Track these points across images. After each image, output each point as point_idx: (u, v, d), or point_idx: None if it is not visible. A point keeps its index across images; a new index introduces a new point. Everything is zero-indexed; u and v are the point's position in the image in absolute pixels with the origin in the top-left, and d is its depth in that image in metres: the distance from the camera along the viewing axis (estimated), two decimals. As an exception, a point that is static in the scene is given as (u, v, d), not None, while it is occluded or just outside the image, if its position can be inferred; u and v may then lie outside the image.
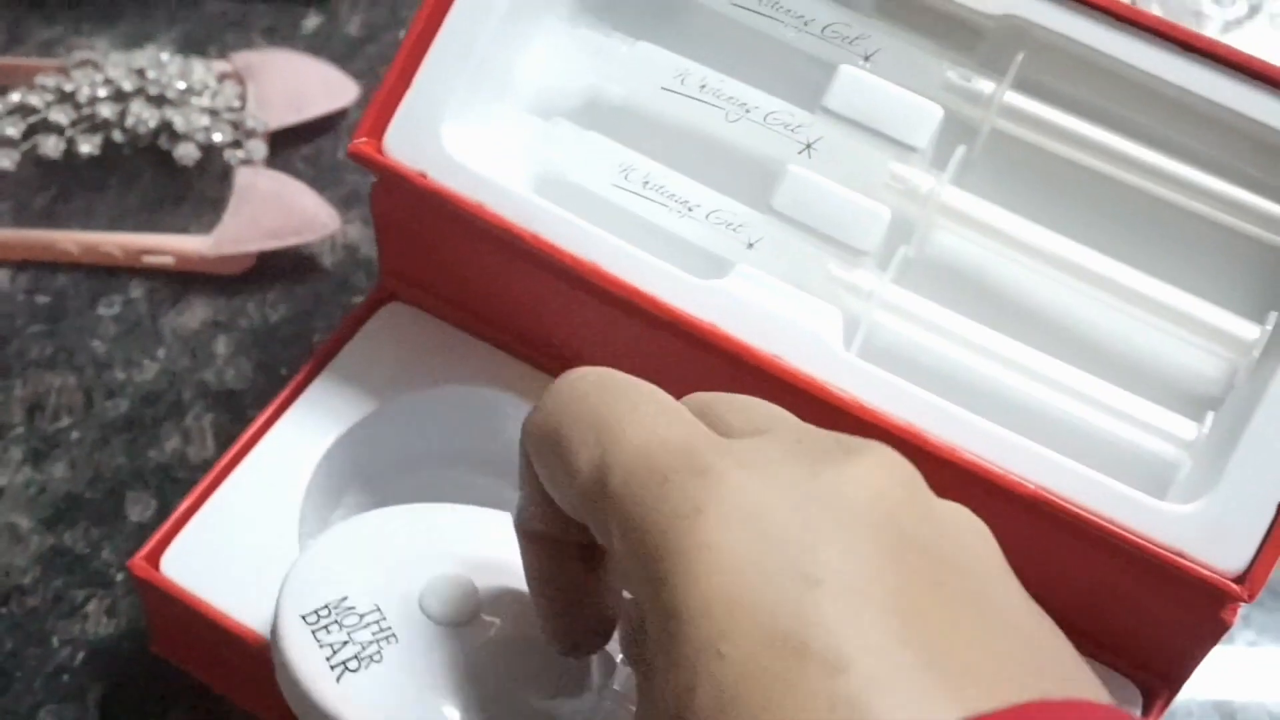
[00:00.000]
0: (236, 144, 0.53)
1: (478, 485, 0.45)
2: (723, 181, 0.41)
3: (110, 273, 0.52)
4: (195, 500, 0.41)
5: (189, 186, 0.53)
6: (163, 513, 0.46)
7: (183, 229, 0.52)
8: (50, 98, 0.52)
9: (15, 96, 0.52)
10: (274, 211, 0.51)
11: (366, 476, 0.45)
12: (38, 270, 0.51)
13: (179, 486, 0.47)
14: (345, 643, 0.33)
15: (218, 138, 0.53)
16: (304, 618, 0.34)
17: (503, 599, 0.34)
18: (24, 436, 0.48)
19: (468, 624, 0.34)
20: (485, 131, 0.42)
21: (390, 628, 0.34)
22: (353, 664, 0.33)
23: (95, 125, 0.52)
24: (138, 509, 0.47)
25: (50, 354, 0.50)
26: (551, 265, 0.40)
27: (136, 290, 0.51)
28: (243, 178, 0.52)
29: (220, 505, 0.42)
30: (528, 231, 0.40)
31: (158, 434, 0.48)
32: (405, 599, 0.34)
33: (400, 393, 0.44)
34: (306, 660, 0.33)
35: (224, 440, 0.48)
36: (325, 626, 0.34)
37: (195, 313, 0.51)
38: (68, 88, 0.52)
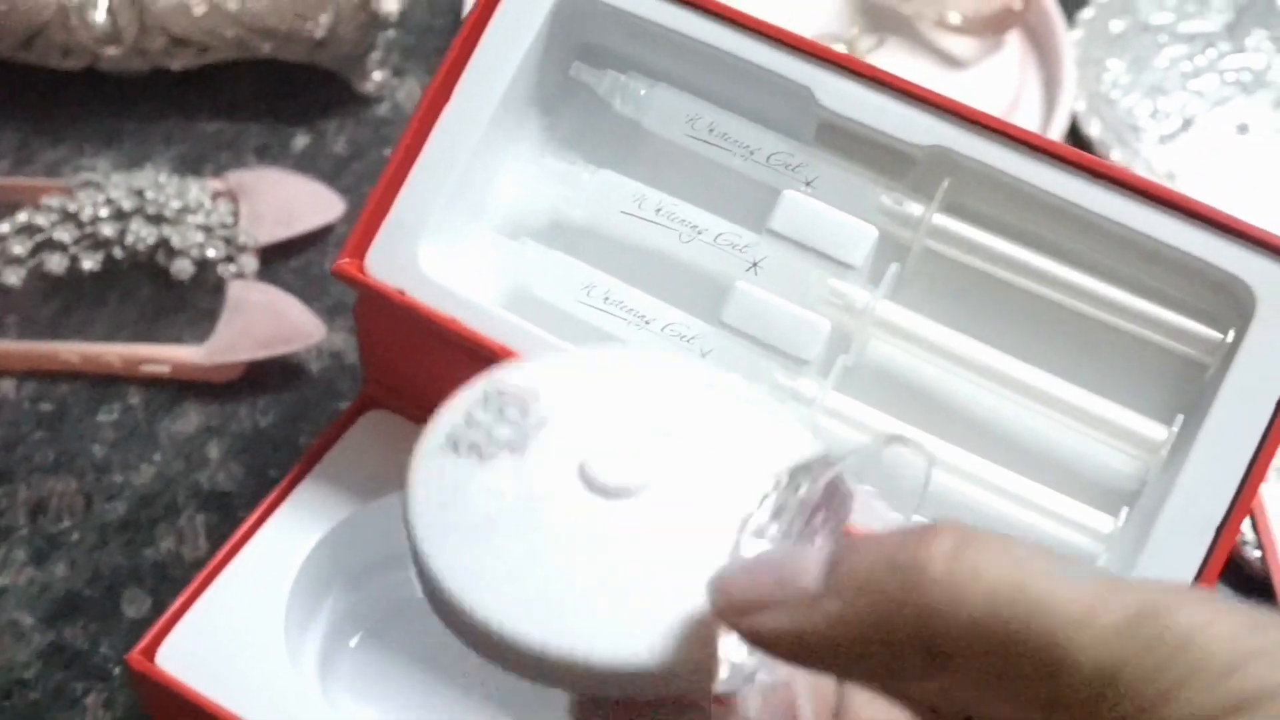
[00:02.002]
0: (229, 259, 0.56)
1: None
2: (677, 297, 0.44)
3: (110, 381, 0.55)
4: (189, 597, 0.44)
5: (184, 299, 0.57)
6: (158, 609, 0.49)
7: (178, 339, 0.56)
8: (55, 217, 0.56)
9: (23, 216, 0.56)
10: (263, 322, 0.54)
11: (350, 573, 0.47)
12: (42, 380, 0.55)
13: (173, 584, 0.50)
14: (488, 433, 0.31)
15: (211, 253, 0.56)
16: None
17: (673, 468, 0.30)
18: (27, 538, 0.51)
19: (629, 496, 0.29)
20: (460, 251, 0.45)
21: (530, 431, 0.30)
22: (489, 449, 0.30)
23: (97, 243, 0.56)
24: (134, 606, 0.49)
25: (53, 459, 0.53)
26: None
27: (134, 398, 0.54)
28: (234, 291, 0.55)
29: (212, 601, 0.44)
30: (498, 344, 0.43)
31: (153, 534, 0.51)
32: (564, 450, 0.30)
33: (381, 494, 0.47)
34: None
35: (216, 539, 0.51)
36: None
37: (189, 418, 0.54)
38: (71, 208, 0.56)
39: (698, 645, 0.27)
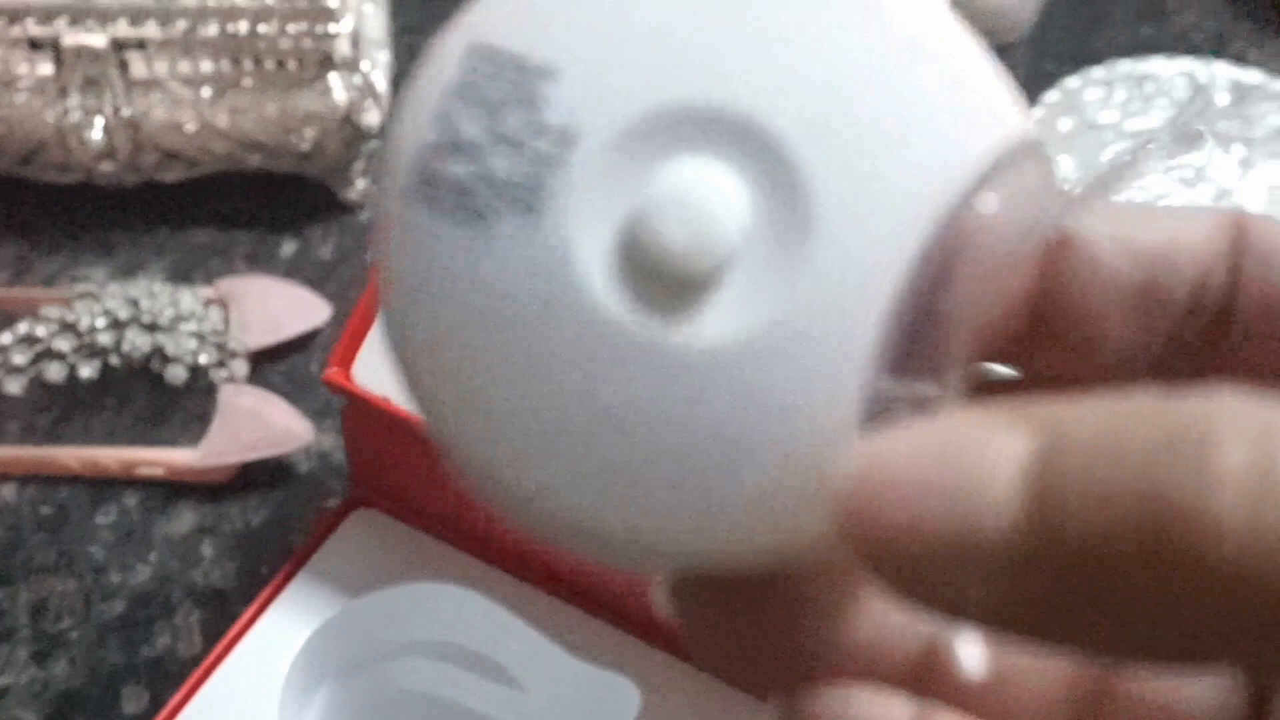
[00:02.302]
0: (221, 364, 0.59)
1: (444, 675, 0.49)
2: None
3: (107, 484, 0.57)
4: (185, 694, 0.46)
5: (177, 404, 0.59)
6: (155, 705, 0.51)
7: (172, 442, 0.58)
8: (54, 328, 0.58)
9: (23, 327, 0.58)
10: (254, 426, 0.57)
11: (341, 667, 0.49)
12: (41, 483, 0.57)
13: (170, 680, 0.51)
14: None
15: (204, 359, 0.59)
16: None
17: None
18: (28, 638, 0.53)
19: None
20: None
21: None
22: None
23: (94, 351, 0.58)
24: (133, 703, 0.51)
25: (53, 560, 0.55)
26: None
27: (131, 499, 0.57)
28: (226, 395, 0.58)
29: (208, 697, 0.47)
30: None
31: (150, 632, 0.53)
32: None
33: (370, 590, 0.49)
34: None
35: (211, 636, 0.53)
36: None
37: (184, 519, 0.56)
38: (70, 318, 0.58)
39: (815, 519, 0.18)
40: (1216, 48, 0.76)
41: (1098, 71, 0.74)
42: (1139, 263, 0.21)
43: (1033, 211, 0.19)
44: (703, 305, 0.18)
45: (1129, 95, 0.73)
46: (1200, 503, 0.14)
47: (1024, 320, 0.21)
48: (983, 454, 0.15)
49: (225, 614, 0.53)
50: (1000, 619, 0.15)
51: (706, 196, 0.18)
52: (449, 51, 0.19)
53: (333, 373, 0.47)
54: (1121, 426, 0.15)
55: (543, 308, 0.18)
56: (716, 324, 0.18)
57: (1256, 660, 0.15)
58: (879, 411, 0.18)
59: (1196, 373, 0.20)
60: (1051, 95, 0.73)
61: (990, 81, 0.19)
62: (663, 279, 0.18)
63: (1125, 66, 0.74)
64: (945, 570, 0.15)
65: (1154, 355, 0.21)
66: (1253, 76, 0.73)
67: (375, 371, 0.47)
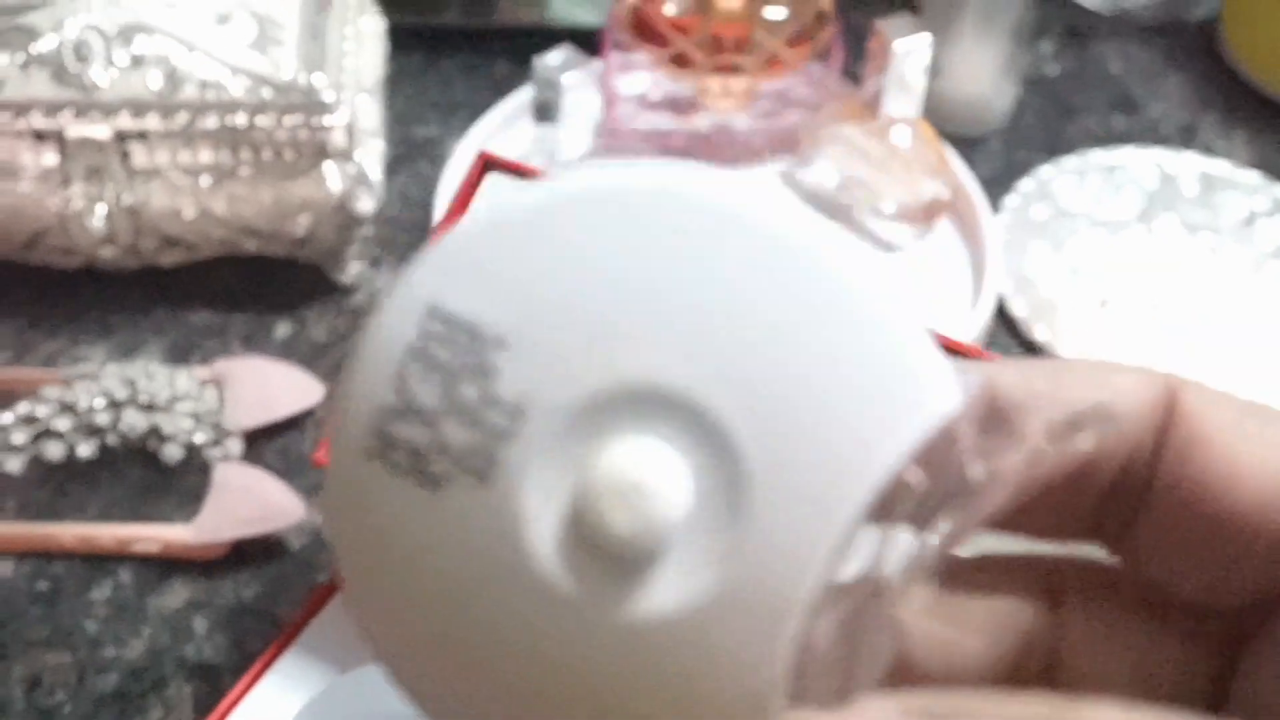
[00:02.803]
0: (216, 443, 0.60)
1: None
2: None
3: (102, 560, 0.58)
4: (178, 765, 0.47)
5: (172, 481, 0.61)
6: (147, 777, 0.52)
7: (167, 519, 0.59)
8: (54, 408, 0.60)
9: (23, 407, 0.60)
10: (247, 503, 0.58)
11: (328, 740, 0.51)
12: (38, 559, 0.58)
13: (162, 753, 0.53)
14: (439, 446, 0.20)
15: (199, 438, 0.60)
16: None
17: None
18: (23, 712, 0.54)
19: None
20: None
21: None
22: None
23: (92, 431, 0.60)
24: (125, 774, 0.53)
25: (48, 635, 0.56)
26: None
27: (125, 575, 0.58)
28: (220, 473, 0.59)
29: (200, 769, 0.48)
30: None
31: (144, 706, 0.54)
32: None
33: (360, 664, 0.51)
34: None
35: (203, 710, 0.54)
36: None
37: (177, 594, 0.58)
38: (69, 399, 0.60)
39: None
40: (1185, 138, 0.79)
41: (1071, 161, 0.76)
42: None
43: (952, 481, 0.20)
44: (645, 579, 0.19)
45: (1101, 184, 0.75)
46: None
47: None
48: None
49: (217, 688, 0.55)
50: None
51: (648, 480, 0.18)
52: (405, 309, 0.20)
53: (323, 455, 0.49)
54: None
55: (492, 573, 0.19)
56: (658, 596, 0.19)
57: None
58: (802, 683, 0.19)
59: (1119, 539, 0.21)
60: (1026, 183, 0.75)
61: (924, 354, 0.20)
62: (607, 556, 0.19)
63: (1097, 156, 0.77)
64: None
65: (1083, 523, 0.21)
66: (1220, 167, 0.76)
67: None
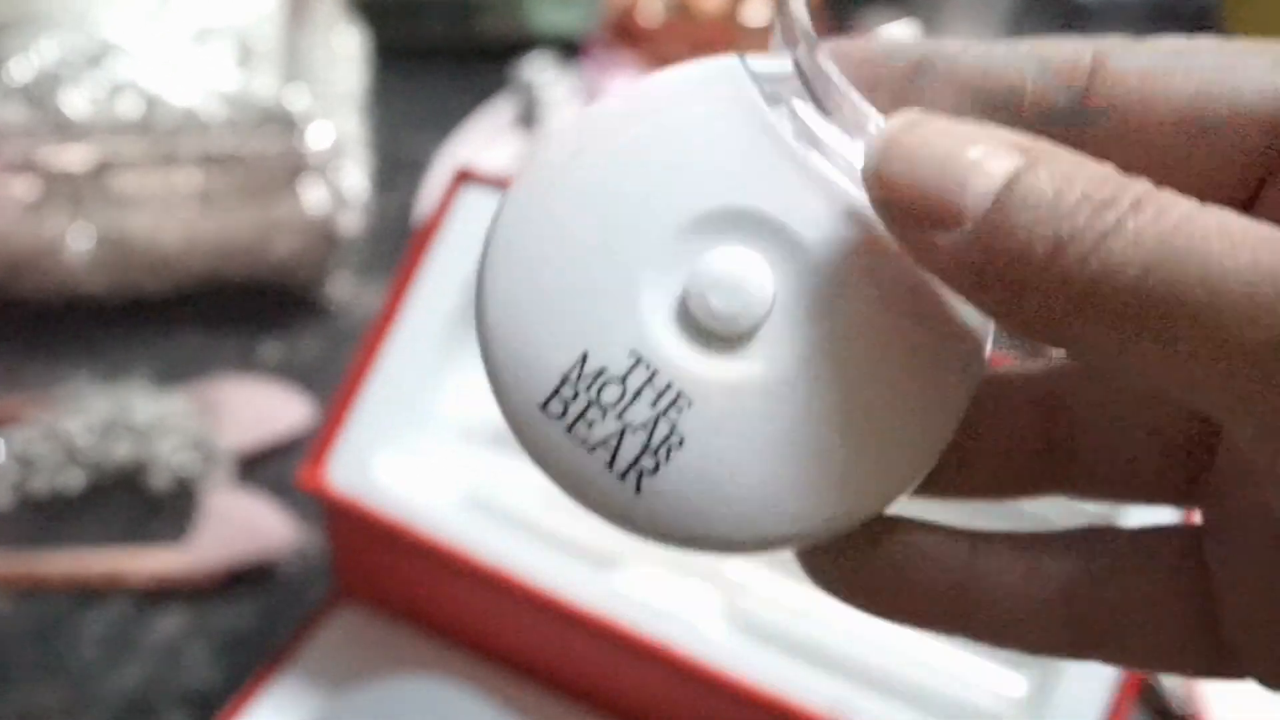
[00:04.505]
0: (205, 468, 0.60)
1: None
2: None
3: (96, 590, 0.58)
4: (170, 797, 0.47)
5: (164, 509, 0.60)
6: (143, 809, 0.51)
7: (159, 547, 0.59)
8: (39, 436, 0.59)
9: (8, 439, 0.60)
10: (239, 529, 0.58)
11: (323, 765, 0.50)
12: (31, 591, 0.58)
13: (157, 783, 0.52)
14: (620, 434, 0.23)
15: (189, 464, 0.60)
16: (543, 407, 0.23)
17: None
18: (18, 746, 0.54)
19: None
20: (414, 459, 0.49)
21: (671, 385, 0.23)
22: (647, 462, 0.23)
23: (79, 460, 0.59)
24: (120, 807, 0.52)
25: (41, 667, 0.56)
26: (473, 574, 0.46)
27: (118, 605, 0.58)
28: (211, 499, 0.59)
29: (193, 800, 0.47)
30: (456, 551, 0.46)
31: (138, 736, 0.54)
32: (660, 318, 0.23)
33: (354, 685, 0.50)
34: (578, 474, 0.23)
35: (197, 738, 0.54)
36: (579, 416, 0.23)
37: (170, 622, 0.57)
38: (56, 428, 0.60)
39: None
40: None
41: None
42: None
43: None
44: (741, 353, 0.23)
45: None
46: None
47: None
48: (986, 159, 0.20)
49: (211, 715, 0.54)
50: (942, 270, 0.21)
51: (744, 275, 0.23)
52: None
53: (306, 475, 0.48)
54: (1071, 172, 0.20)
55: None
56: (751, 366, 0.23)
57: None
58: None
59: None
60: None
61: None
62: (710, 335, 0.23)
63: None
64: (924, 229, 0.21)
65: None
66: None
67: (348, 474, 0.48)
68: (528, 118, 0.68)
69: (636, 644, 0.44)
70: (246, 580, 0.58)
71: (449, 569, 0.47)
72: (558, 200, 0.23)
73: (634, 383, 0.22)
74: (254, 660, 0.56)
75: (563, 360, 0.23)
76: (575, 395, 0.23)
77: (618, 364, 0.23)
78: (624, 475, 0.22)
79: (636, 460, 0.22)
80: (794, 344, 0.23)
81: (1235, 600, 0.23)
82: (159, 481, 0.59)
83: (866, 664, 0.44)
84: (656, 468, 0.22)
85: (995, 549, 0.24)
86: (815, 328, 0.23)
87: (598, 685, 0.48)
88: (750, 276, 0.23)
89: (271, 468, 0.62)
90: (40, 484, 0.59)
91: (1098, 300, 0.19)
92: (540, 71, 0.68)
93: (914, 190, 0.21)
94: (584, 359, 0.23)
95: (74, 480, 0.59)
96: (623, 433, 0.22)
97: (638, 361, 0.23)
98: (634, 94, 0.24)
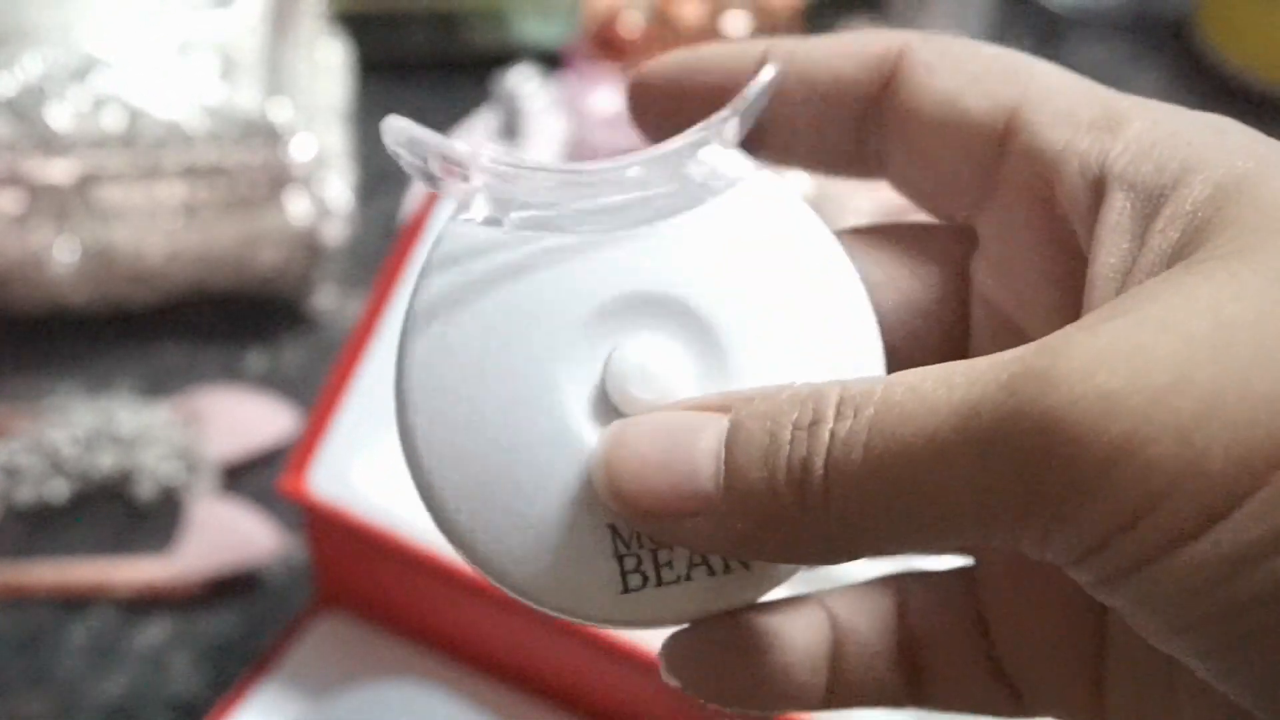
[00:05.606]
0: (190, 477, 0.60)
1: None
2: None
3: (81, 599, 0.58)
4: (153, 803, 0.47)
5: (148, 519, 0.61)
6: (127, 816, 0.52)
7: (144, 556, 0.59)
8: (26, 449, 0.60)
9: (-3, 451, 0.60)
10: (223, 538, 0.58)
11: (305, 771, 0.51)
12: (16, 601, 0.58)
13: (142, 790, 0.53)
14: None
15: (173, 474, 0.60)
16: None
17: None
18: (3, 754, 0.54)
19: None
20: (394, 466, 0.49)
21: None
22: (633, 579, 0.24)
23: (66, 470, 0.60)
24: (105, 814, 0.52)
25: (28, 676, 0.56)
26: (452, 580, 0.47)
27: (104, 614, 0.58)
28: (195, 509, 0.59)
29: (176, 806, 0.48)
30: (426, 553, 0.47)
31: (123, 744, 0.54)
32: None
33: (336, 691, 0.51)
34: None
35: (182, 746, 0.54)
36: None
37: (155, 631, 0.58)
38: (41, 438, 0.60)
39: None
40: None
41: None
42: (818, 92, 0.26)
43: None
44: None
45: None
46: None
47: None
48: (695, 438, 0.22)
49: (196, 722, 0.55)
50: (713, 549, 0.22)
51: (660, 365, 0.24)
52: None
53: (287, 483, 0.48)
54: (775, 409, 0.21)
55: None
56: None
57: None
58: None
59: (879, 166, 0.27)
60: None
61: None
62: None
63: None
64: (669, 519, 0.21)
65: (848, 155, 0.27)
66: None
67: (328, 481, 0.48)
68: (510, 129, 0.69)
69: (614, 648, 0.45)
70: (231, 589, 0.59)
71: (428, 575, 0.47)
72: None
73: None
74: (239, 670, 0.56)
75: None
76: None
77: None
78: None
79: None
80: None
81: (1005, 638, 0.25)
82: (144, 492, 0.60)
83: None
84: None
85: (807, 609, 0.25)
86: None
87: (576, 689, 0.49)
88: (661, 359, 0.24)
89: (256, 478, 0.62)
90: (26, 494, 0.59)
91: (857, 499, 0.20)
92: (522, 83, 0.68)
93: (651, 495, 0.22)
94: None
95: (59, 491, 0.60)
96: None
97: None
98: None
